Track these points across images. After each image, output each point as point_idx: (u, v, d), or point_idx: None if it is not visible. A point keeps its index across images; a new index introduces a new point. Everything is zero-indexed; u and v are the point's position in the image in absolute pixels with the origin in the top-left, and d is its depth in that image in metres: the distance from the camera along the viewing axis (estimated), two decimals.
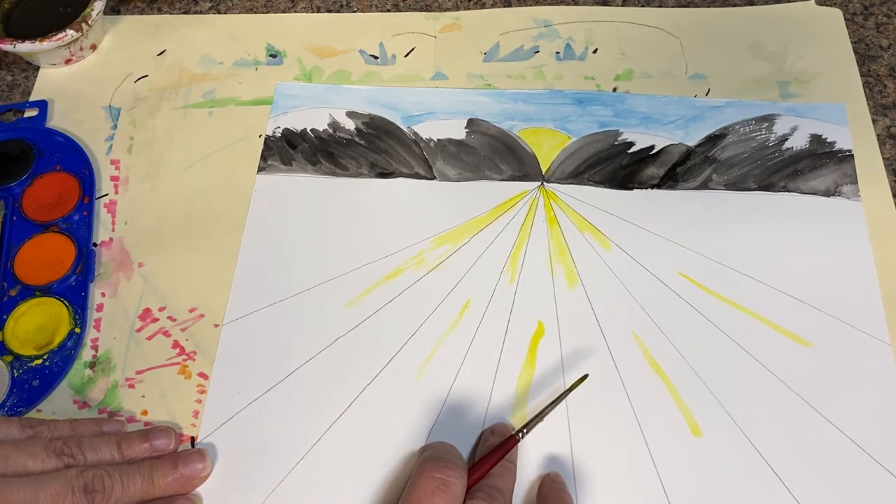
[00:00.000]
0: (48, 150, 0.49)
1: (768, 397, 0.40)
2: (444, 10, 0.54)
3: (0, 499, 0.32)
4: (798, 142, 0.47)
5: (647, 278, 0.43)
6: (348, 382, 0.41)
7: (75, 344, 0.43)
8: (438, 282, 0.44)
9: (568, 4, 0.54)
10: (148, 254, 0.46)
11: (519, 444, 0.37)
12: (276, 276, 0.44)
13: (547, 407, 0.37)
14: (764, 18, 0.52)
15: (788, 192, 0.46)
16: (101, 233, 0.47)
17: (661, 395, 0.40)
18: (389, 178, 0.48)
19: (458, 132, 0.49)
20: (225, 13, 0.56)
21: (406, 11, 0.55)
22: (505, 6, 0.54)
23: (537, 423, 0.37)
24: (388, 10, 0.55)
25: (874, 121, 0.48)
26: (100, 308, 0.44)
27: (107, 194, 0.48)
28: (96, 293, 0.45)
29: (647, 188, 0.46)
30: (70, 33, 0.50)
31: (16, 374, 0.42)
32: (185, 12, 0.56)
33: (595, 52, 0.52)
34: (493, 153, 0.48)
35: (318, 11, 0.55)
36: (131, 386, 0.42)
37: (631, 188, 0.46)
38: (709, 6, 0.53)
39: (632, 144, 0.48)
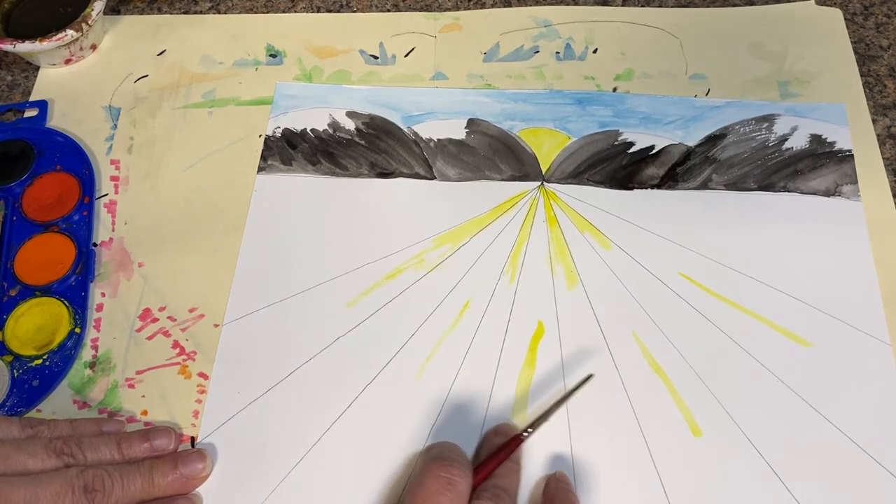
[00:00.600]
0: (48, 150, 0.49)
1: (768, 397, 0.40)
2: (444, 10, 0.54)
3: (0, 498, 0.32)
4: (798, 142, 0.47)
5: (647, 278, 0.43)
6: (348, 382, 0.41)
7: (75, 344, 0.43)
8: (438, 282, 0.44)
9: (568, 4, 0.54)
10: (148, 254, 0.46)
11: (522, 444, 0.37)
12: (276, 276, 0.44)
13: (552, 407, 0.37)
14: (764, 18, 0.52)
15: (788, 192, 0.46)
16: (101, 233, 0.47)
17: (661, 395, 0.40)
18: (389, 178, 0.48)
19: (458, 132, 0.49)
20: (225, 13, 0.56)
21: (406, 11, 0.55)
22: (505, 6, 0.54)
23: (542, 423, 0.37)
24: (388, 10, 0.55)
25: (874, 121, 0.48)
26: (100, 308, 0.44)
27: (107, 194, 0.48)
28: (96, 293, 0.45)
29: (647, 188, 0.46)
30: (70, 33, 0.50)
31: (16, 374, 0.42)
32: (185, 12, 0.56)
33: (595, 52, 0.52)
34: (493, 153, 0.48)
35: (318, 11, 0.55)
36: (131, 386, 0.42)
37: (631, 188, 0.46)
38: (709, 6, 0.53)
39: (632, 144, 0.48)
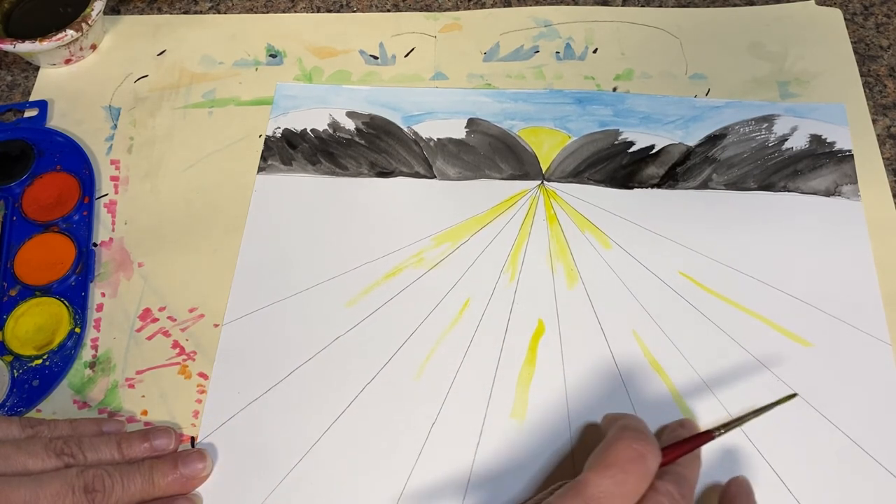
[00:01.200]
0: (48, 150, 0.49)
1: (768, 397, 0.39)
2: (444, 10, 0.54)
3: (0, 498, 0.32)
4: (798, 142, 0.47)
5: (647, 277, 0.43)
6: (348, 382, 0.41)
7: (75, 344, 0.43)
8: (438, 280, 0.44)
9: (568, 4, 0.54)
10: (148, 254, 0.46)
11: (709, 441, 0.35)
12: (275, 276, 0.44)
13: (750, 414, 0.35)
14: (764, 18, 0.52)
15: (788, 192, 0.46)
16: (101, 233, 0.47)
17: (662, 394, 0.40)
18: (389, 178, 0.48)
19: (458, 132, 0.49)
20: (225, 13, 0.56)
21: (406, 11, 0.55)
22: (505, 6, 0.54)
23: (736, 426, 0.35)
24: (388, 10, 0.55)
25: (874, 121, 0.48)
26: (100, 308, 0.44)
27: (107, 194, 0.48)
28: (96, 293, 0.45)
29: (647, 187, 0.46)
30: (70, 33, 0.50)
31: (16, 374, 0.42)
32: (185, 12, 0.56)
33: (595, 52, 0.52)
34: (493, 152, 0.48)
35: (318, 11, 0.55)
36: (131, 386, 0.42)
37: (631, 187, 0.46)
38: (709, 6, 0.53)
39: (632, 144, 0.48)
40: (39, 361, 0.42)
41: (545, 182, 0.47)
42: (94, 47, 0.54)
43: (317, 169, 0.48)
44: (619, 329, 0.42)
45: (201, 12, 0.56)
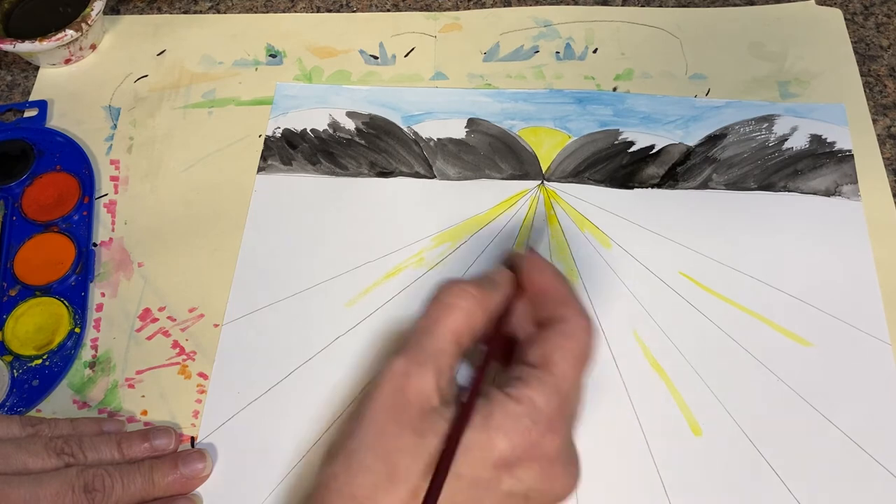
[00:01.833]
0: (48, 150, 0.49)
1: (768, 397, 0.40)
2: (444, 10, 0.54)
3: (0, 497, 0.32)
4: (798, 142, 0.47)
5: (647, 277, 0.43)
6: (348, 382, 0.41)
7: (75, 344, 0.43)
8: (438, 280, 0.44)
9: (568, 4, 0.54)
10: (148, 254, 0.46)
11: None
12: (275, 276, 0.44)
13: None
14: (764, 18, 0.52)
15: (788, 192, 0.46)
16: (101, 233, 0.47)
17: (662, 394, 0.40)
18: (389, 178, 0.48)
19: (458, 132, 0.49)
20: (225, 13, 0.56)
21: (406, 11, 0.55)
22: (505, 6, 0.54)
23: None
24: (388, 10, 0.55)
25: (874, 121, 0.48)
26: (100, 308, 0.44)
27: (106, 194, 0.48)
28: (96, 293, 0.45)
29: (647, 187, 0.46)
30: (70, 33, 0.50)
31: (16, 374, 0.42)
32: (185, 12, 0.56)
33: (595, 51, 0.52)
34: (493, 152, 0.48)
35: (318, 11, 0.55)
36: (131, 386, 0.42)
37: (631, 187, 0.46)
38: (709, 6, 0.53)
39: (632, 144, 0.48)
40: (39, 361, 0.42)
41: (545, 182, 0.47)
42: (93, 47, 0.54)
43: (317, 169, 0.48)
44: (619, 329, 0.42)
45: (201, 12, 0.56)
